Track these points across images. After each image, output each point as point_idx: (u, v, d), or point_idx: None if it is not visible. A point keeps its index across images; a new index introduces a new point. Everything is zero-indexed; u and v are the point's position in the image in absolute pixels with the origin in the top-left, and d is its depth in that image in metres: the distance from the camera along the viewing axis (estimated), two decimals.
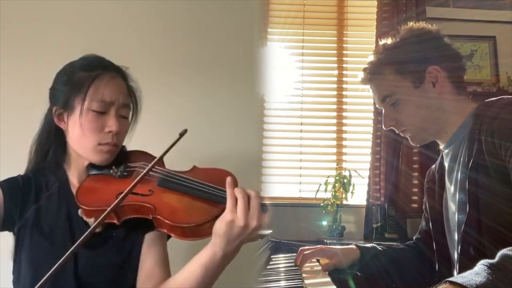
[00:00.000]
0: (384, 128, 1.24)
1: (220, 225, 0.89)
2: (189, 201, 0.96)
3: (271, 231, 1.85)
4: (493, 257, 1.04)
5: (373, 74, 1.22)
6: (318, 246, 1.43)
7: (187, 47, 1.78)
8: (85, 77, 1.02)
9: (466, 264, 1.10)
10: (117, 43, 1.73)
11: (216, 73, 1.76)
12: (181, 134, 1.00)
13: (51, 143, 1.08)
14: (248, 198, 0.90)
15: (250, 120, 1.76)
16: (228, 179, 0.92)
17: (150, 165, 0.95)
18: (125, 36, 1.75)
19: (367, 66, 1.24)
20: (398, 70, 1.17)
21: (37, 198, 1.03)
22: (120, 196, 0.88)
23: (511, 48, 2.75)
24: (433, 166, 1.31)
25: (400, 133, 1.22)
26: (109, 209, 0.86)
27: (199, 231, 0.92)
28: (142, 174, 0.94)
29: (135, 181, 0.91)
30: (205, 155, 1.49)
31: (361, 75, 1.26)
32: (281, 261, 1.62)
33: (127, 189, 0.90)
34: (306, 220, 2.61)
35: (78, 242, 0.77)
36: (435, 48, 1.19)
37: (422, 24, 1.25)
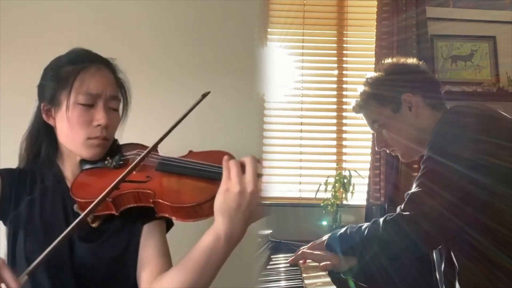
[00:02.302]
0: (376, 149, 1.46)
1: (217, 198, 0.86)
2: (189, 182, 0.95)
3: (271, 231, 1.85)
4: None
5: (361, 106, 1.42)
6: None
7: (187, 47, 1.78)
8: (70, 71, 1.01)
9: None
10: (118, 43, 1.72)
11: (216, 73, 1.75)
12: (204, 95, 1.00)
13: (42, 140, 1.07)
14: (241, 165, 0.87)
15: (250, 120, 1.76)
16: (225, 157, 0.90)
17: (164, 134, 0.94)
18: (125, 36, 1.75)
19: (357, 99, 1.43)
20: (379, 101, 1.36)
21: (31, 189, 1.02)
22: (124, 172, 0.86)
23: (511, 48, 2.75)
24: None
25: (391, 153, 1.40)
26: (111, 185, 0.84)
27: (202, 210, 0.90)
28: (153, 145, 0.92)
29: (143, 154, 0.90)
30: None
31: (353, 104, 1.45)
32: (281, 261, 1.62)
33: (133, 164, 0.88)
34: (306, 220, 2.61)
35: (74, 223, 0.76)
36: (409, 78, 1.36)
37: (401, 59, 1.46)
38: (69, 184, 1.03)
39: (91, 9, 1.74)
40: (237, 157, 0.93)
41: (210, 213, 0.89)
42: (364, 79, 1.43)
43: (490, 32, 2.83)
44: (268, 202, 2.13)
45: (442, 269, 1.21)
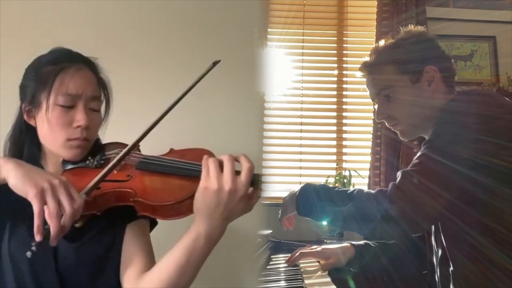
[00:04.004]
0: (376, 120, 1.32)
1: (197, 196, 0.87)
2: (169, 180, 0.95)
3: (271, 231, 1.85)
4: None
5: (372, 66, 1.28)
6: (315, 246, 1.45)
7: (187, 47, 1.78)
8: (50, 71, 1.01)
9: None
10: (118, 42, 1.73)
11: (216, 73, 1.75)
12: (214, 63, 0.99)
13: (24, 141, 1.07)
14: (220, 163, 0.87)
15: (250, 120, 1.76)
16: (205, 155, 0.90)
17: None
18: (125, 35, 1.75)
19: (367, 59, 1.30)
20: (398, 66, 1.24)
21: None
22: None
23: (511, 48, 2.75)
24: None
25: (391, 127, 1.29)
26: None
27: (182, 208, 0.90)
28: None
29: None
30: None
31: (361, 66, 1.32)
32: (281, 261, 1.62)
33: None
34: (306, 220, 2.60)
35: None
36: (432, 50, 1.27)
37: (420, 28, 1.33)
38: None
39: (84, 6, 1.74)
40: None
41: (189, 210, 0.89)
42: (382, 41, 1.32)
43: (490, 32, 2.83)
44: (268, 202, 2.12)
45: (439, 269, 1.22)
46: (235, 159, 0.88)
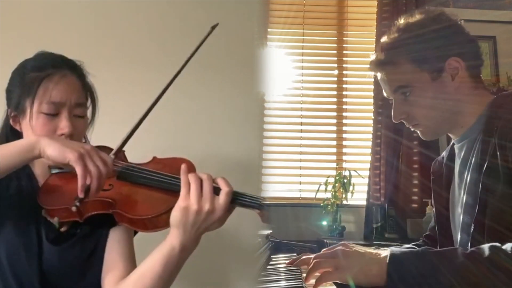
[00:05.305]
0: (394, 121, 1.15)
1: (175, 213, 0.89)
2: (148, 193, 0.97)
3: (271, 231, 1.85)
4: (493, 257, 1.04)
5: (386, 61, 1.12)
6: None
7: (187, 47, 1.77)
8: (34, 78, 1.00)
9: (466, 263, 1.10)
10: (117, 42, 1.73)
11: (216, 73, 1.75)
12: (213, 27, 1.00)
13: None
14: (200, 182, 0.89)
15: (250, 120, 1.76)
16: (183, 166, 0.92)
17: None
18: (124, 35, 1.75)
19: (378, 55, 1.14)
20: (416, 61, 1.08)
21: (8, 186, 1.02)
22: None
23: (511, 48, 2.75)
24: (440, 156, 1.27)
25: (411, 127, 1.15)
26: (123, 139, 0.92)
27: (159, 222, 0.92)
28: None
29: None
30: (204, 155, 1.48)
31: (372, 57, 1.16)
32: (281, 261, 1.62)
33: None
34: (306, 220, 2.61)
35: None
36: (455, 38, 1.10)
37: (439, 10, 1.16)
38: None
39: (83, 6, 1.74)
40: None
41: (166, 224, 0.92)
42: (395, 27, 1.12)
43: (490, 32, 2.82)
44: (268, 202, 2.12)
45: None
46: (213, 181, 0.90)
